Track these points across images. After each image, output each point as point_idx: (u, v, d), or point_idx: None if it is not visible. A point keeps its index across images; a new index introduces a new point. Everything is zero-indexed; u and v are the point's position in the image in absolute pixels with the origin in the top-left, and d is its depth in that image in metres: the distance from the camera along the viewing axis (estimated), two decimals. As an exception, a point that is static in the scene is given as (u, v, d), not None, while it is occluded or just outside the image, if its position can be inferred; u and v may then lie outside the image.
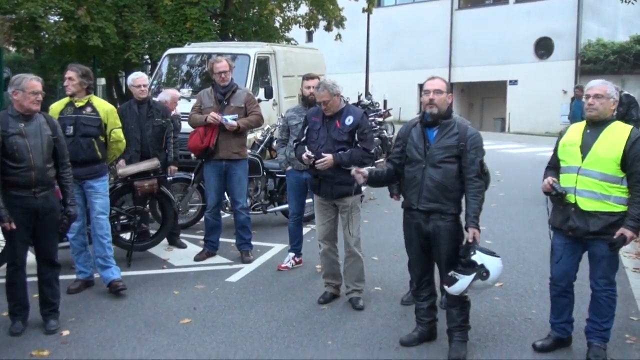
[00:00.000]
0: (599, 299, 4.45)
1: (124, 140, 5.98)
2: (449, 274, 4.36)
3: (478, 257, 4.26)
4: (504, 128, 30.37)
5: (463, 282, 4.30)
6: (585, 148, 4.33)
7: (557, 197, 4.38)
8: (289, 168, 6.59)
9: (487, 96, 33.00)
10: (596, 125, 4.35)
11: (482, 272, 4.24)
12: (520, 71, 29.10)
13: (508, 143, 21.44)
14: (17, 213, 4.64)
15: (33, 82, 4.71)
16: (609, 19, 28.82)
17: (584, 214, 4.30)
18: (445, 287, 4.42)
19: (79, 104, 5.64)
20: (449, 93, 4.48)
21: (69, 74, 5.60)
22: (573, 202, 4.33)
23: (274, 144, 8.98)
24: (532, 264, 6.79)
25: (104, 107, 5.74)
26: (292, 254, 6.71)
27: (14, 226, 4.59)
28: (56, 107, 5.72)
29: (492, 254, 4.34)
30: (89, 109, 5.65)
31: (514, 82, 29.88)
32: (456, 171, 4.40)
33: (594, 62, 27.13)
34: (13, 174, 4.63)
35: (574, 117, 15.31)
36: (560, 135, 4.60)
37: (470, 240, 4.33)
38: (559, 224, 4.46)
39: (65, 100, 5.72)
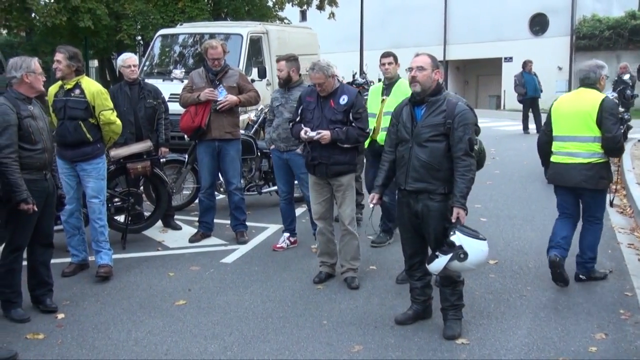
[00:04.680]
0: None
1: (118, 122, 5.78)
2: (435, 253, 4.35)
3: (457, 238, 4.22)
4: (499, 105, 30.29)
5: (440, 261, 4.29)
6: None
7: None
8: (272, 147, 6.58)
9: (482, 73, 32.88)
10: None
11: (459, 253, 4.20)
12: (515, 48, 28.90)
13: (503, 120, 21.37)
14: (32, 196, 4.58)
15: (38, 64, 4.74)
16: (604, -6, 28.67)
17: None
18: (426, 264, 4.43)
19: (67, 87, 5.54)
20: (435, 69, 4.37)
21: (57, 56, 5.48)
22: None
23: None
24: (527, 241, 6.79)
25: (90, 89, 5.55)
26: (286, 234, 6.70)
27: (35, 208, 4.55)
28: (52, 90, 5.66)
29: (476, 236, 4.27)
30: (77, 91, 5.53)
31: (508, 59, 29.72)
32: (444, 150, 4.32)
33: (589, 38, 26.99)
34: (28, 156, 4.60)
35: (535, 90, 15.85)
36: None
37: (453, 220, 4.30)
38: None
39: (59, 82, 5.63)
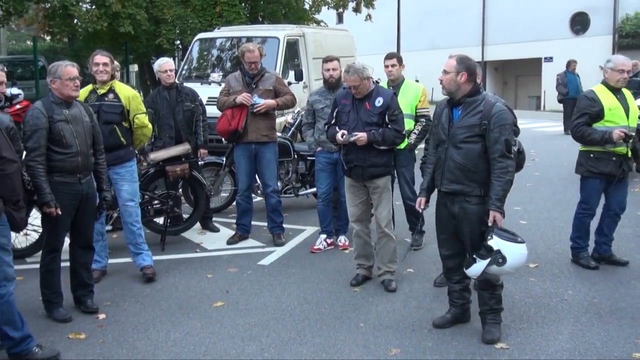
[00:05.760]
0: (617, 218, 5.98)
1: (150, 126, 5.90)
2: (473, 256, 4.30)
3: (494, 243, 4.15)
4: (539, 106, 29.83)
5: (478, 266, 4.23)
6: (625, 110, 5.65)
7: (626, 141, 5.53)
8: (319, 149, 6.59)
9: (522, 74, 32.43)
10: (619, 91, 5.72)
11: (497, 257, 4.13)
12: (556, 48, 28.43)
13: (543, 121, 21.03)
14: (63, 199, 4.67)
15: (69, 69, 4.70)
16: (648, -9, 27.98)
17: (627, 159, 5.71)
18: (465, 269, 4.38)
19: (101, 91, 5.58)
20: (460, 73, 4.30)
21: (104, 59, 5.51)
22: (625, 152, 5.63)
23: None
24: (568, 244, 6.64)
25: (125, 93, 5.64)
26: (323, 236, 6.71)
27: (59, 212, 4.61)
28: (82, 95, 5.60)
29: (514, 239, 4.20)
30: (111, 96, 5.58)
31: (549, 59, 29.25)
32: (479, 151, 4.26)
33: (633, 36, 26.40)
34: (60, 159, 4.66)
35: (577, 90, 15.57)
36: (592, 100, 5.65)
37: (490, 224, 4.24)
38: (613, 171, 5.66)
39: (89, 87, 5.66)
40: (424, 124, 6.28)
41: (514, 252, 4.16)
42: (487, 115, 4.23)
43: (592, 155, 5.73)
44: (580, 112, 5.73)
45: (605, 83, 5.78)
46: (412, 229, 6.66)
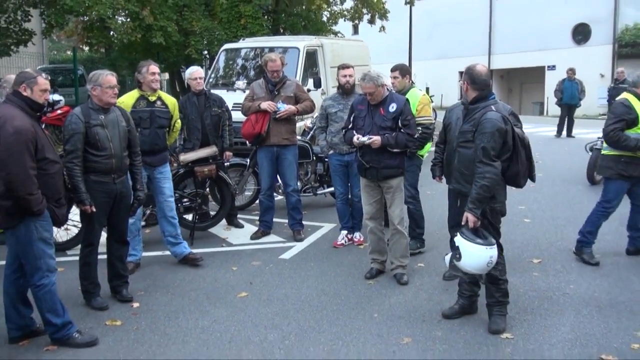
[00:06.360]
0: None
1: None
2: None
3: (457, 240, 4.20)
4: (542, 112, 29.56)
5: (447, 258, 4.35)
6: None
7: None
8: (331, 152, 6.60)
9: (526, 81, 32.17)
10: None
11: (456, 254, 4.20)
12: (558, 57, 28.16)
13: (546, 126, 20.83)
14: (98, 197, 4.74)
15: (109, 78, 4.77)
16: (647, 3, 27.59)
17: None
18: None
19: (152, 98, 5.76)
20: (464, 81, 4.38)
21: (157, 69, 5.75)
22: None
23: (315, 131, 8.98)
24: (570, 242, 6.59)
25: (171, 101, 5.98)
26: (344, 232, 6.72)
27: (94, 209, 4.68)
28: (127, 101, 5.71)
29: (473, 240, 4.12)
30: (159, 103, 5.81)
31: (552, 68, 28.98)
32: (471, 156, 4.26)
33: (632, 46, 26.08)
34: (95, 161, 4.72)
35: (571, 97, 15.55)
36: (629, 108, 5.63)
37: (462, 223, 4.25)
38: (639, 174, 5.72)
39: (135, 94, 5.76)
40: (420, 132, 5.88)
41: (469, 253, 4.15)
42: (477, 122, 4.23)
43: (622, 159, 5.72)
44: (617, 118, 5.67)
45: (635, 93, 5.73)
46: (411, 234, 6.26)
